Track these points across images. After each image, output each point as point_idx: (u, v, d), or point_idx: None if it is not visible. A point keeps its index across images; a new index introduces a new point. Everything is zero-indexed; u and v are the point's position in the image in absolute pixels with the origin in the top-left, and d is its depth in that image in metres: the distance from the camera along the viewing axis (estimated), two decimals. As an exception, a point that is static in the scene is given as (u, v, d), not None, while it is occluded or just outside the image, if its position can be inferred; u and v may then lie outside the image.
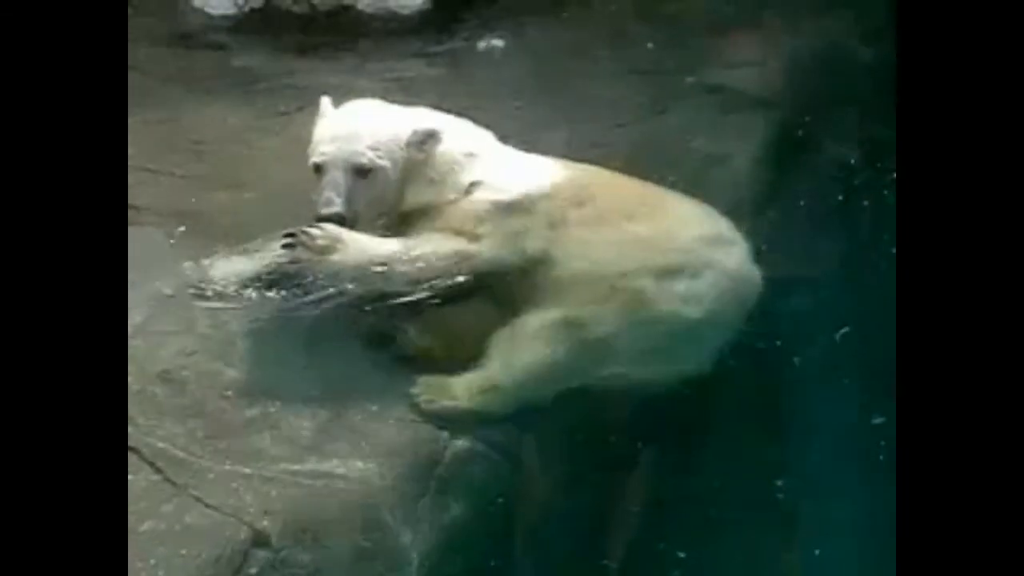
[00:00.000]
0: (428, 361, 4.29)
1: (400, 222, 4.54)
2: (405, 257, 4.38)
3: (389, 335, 4.34)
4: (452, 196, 4.52)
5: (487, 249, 4.41)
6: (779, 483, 4.45)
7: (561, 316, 4.25)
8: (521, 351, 4.23)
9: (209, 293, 4.54)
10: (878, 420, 4.42)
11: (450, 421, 4.12)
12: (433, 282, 4.37)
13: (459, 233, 4.44)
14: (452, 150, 4.56)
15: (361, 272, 4.35)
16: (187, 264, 4.64)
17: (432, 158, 4.52)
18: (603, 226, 4.45)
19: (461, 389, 4.17)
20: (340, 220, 4.39)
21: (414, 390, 4.16)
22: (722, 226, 4.59)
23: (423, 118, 4.60)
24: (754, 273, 4.53)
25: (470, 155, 4.58)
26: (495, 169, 4.58)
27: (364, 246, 4.38)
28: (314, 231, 4.30)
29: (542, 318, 4.26)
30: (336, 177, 4.44)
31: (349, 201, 4.42)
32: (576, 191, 4.53)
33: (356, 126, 4.52)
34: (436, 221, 4.48)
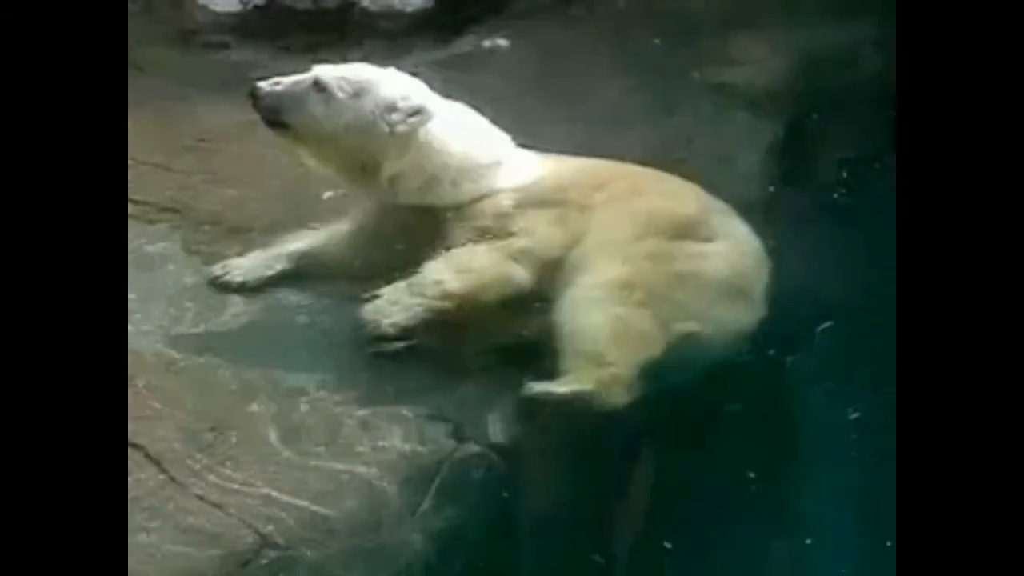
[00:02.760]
0: (440, 362, 4.28)
1: (422, 223, 4.54)
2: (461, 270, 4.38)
3: (399, 338, 4.31)
4: (464, 199, 4.54)
5: (532, 241, 4.43)
6: (778, 483, 4.45)
7: (605, 280, 4.29)
8: (594, 327, 4.23)
9: (229, 287, 4.57)
10: (854, 415, 4.46)
11: (574, 410, 4.11)
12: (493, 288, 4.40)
13: (496, 235, 4.46)
14: (473, 155, 4.57)
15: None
16: (208, 261, 4.68)
17: (444, 151, 4.52)
18: (618, 203, 4.52)
19: (579, 379, 4.14)
20: (253, 96, 4.45)
21: (530, 388, 4.12)
22: (718, 203, 4.68)
23: (436, 100, 4.59)
24: (757, 243, 4.61)
25: (493, 163, 4.59)
26: (517, 170, 4.60)
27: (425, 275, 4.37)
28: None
29: (591, 285, 4.29)
30: (298, 77, 4.49)
31: (288, 98, 4.43)
32: (592, 178, 4.61)
33: (360, 68, 4.59)
34: (466, 224, 4.50)
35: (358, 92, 4.48)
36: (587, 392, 4.10)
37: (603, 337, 4.21)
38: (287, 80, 4.48)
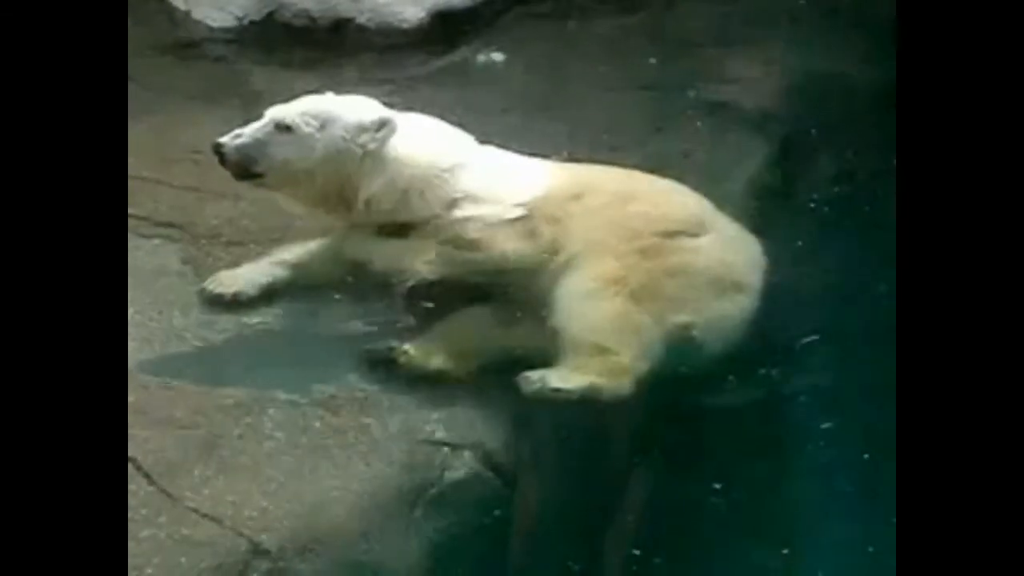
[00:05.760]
0: (433, 379, 4.26)
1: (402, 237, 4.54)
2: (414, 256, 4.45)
3: (391, 359, 4.28)
4: (437, 211, 4.52)
5: (492, 256, 4.44)
6: (774, 498, 4.47)
7: (596, 275, 4.31)
8: (592, 319, 4.25)
9: (223, 299, 4.55)
10: (826, 425, 4.51)
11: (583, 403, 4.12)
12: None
13: (458, 247, 4.46)
14: (434, 162, 4.56)
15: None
16: (204, 274, 4.68)
17: (410, 163, 4.52)
18: (603, 211, 4.50)
19: (581, 369, 4.15)
20: (219, 153, 4.40)
21: (531, 382, 4.11)
22: (707, 203, 4.70)
23: (392, 113, 4.59)
24: (751, 239, 4.65)
25: (454, 166, 4.57)
26: (482, 178, 4.58)
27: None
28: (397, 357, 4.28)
29: (582, 280, 4.31)
30: (258, 124, 4.45)
31: (254, 148, 4.40)
32: (570, 187, 4.58)
33: (316, 99, 4.57)
34: (437, 240, 4.49)
35: (323, 123, 4.47)
36: (594, 385, 4.11)
37: (600, 328, 4.23)
38: (247, 130, 4.44)
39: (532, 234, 4.45)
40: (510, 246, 4.44)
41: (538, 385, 4.11)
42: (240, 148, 4.40)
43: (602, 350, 4.19)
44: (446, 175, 4.54)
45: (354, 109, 4.56)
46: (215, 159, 4.49)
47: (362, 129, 4.48)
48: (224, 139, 4.42)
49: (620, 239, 4.40)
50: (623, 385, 4.15)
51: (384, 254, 4.49)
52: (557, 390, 4.10)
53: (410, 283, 4.44)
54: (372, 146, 4.48)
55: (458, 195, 4.53)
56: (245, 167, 4.44)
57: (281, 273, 4.61)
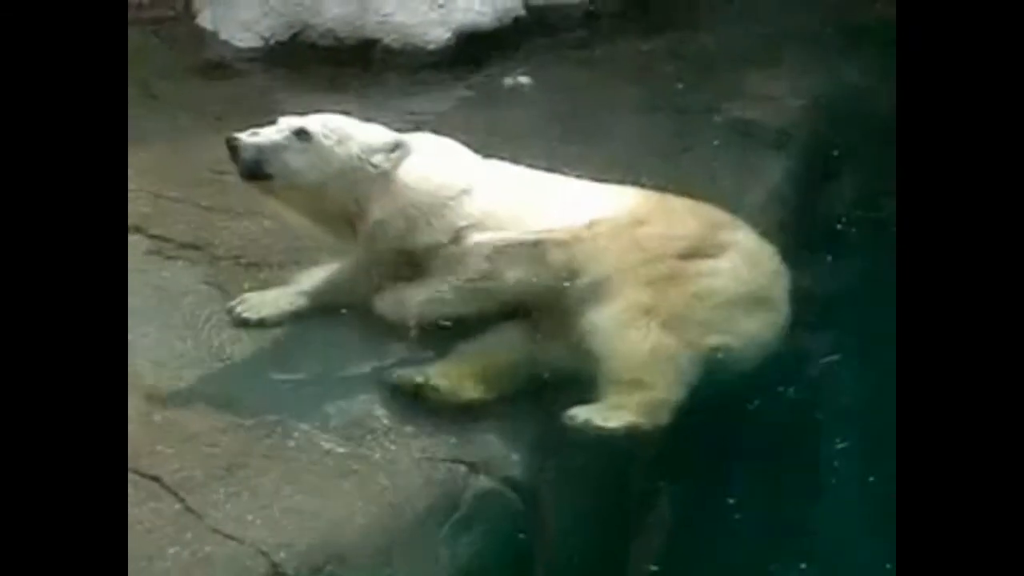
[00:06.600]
0: (458, 405, 4.23)
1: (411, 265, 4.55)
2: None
3: (417, 393, 4.25)
4: (443, 240, 4.51)
5: (503, 285, 4.43)
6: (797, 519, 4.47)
7: (629, 305, 4.28)
8: (628, 353, 4.22)
9: (250, 323, 4.55)
10: (842, 444, 4.53)
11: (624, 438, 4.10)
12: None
13: (467, 278, 4.46)
14: (440, 189, 4.55)
15: None
16: (228, 295, 4.68)
17: (419, 188, 4.51)
18: (618, 235, 4.46)
19: (620, 404, 4.12)
20: (232, 148, 4.35)
21: (574, 418, 4.09)
22: (723, 217, 4.68)
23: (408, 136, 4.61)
24: (770, 250, 4.62)
25: (460, 192, 4.55)
26: (489, 204, 4.56)
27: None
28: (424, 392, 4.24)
29: (616, 311, 4.27)
30: (277, 127, 4.44)
31: (271, 149, 4.37)
32: (583, 209, 4.55)
33: (328, 117, 4.56)
34: (436, 270, 4.50)
35: (342, 139, 4.48)
36: (635, 422, 4.09)
37: (637, 363, 4.20)
38: (265, 131, 4.42)
39: (543, 261, 4.43)
40: (519, 275, 4.43)
41: (581, 421, 4.09)
42: (257, 146, 4.37)
43: (640, 384, 4.17)
44: (452, 203, 4.53)
45: (367, 129, 4.57)
46: (235, 174, 4.48)
47: (376, 149, 4.49)
48: (240, 135, 4.39)
49: (643, 264, 4.38)
50: (661, 417, 4.13)
51: (396, 298, 4.48)
52: (600, 428, 4.08)
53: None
54: (386, 166, 4.48)
55: (463, 223, 4.51)
56: (257, 166, 4.39)
57: (306, 300, 4.61)
